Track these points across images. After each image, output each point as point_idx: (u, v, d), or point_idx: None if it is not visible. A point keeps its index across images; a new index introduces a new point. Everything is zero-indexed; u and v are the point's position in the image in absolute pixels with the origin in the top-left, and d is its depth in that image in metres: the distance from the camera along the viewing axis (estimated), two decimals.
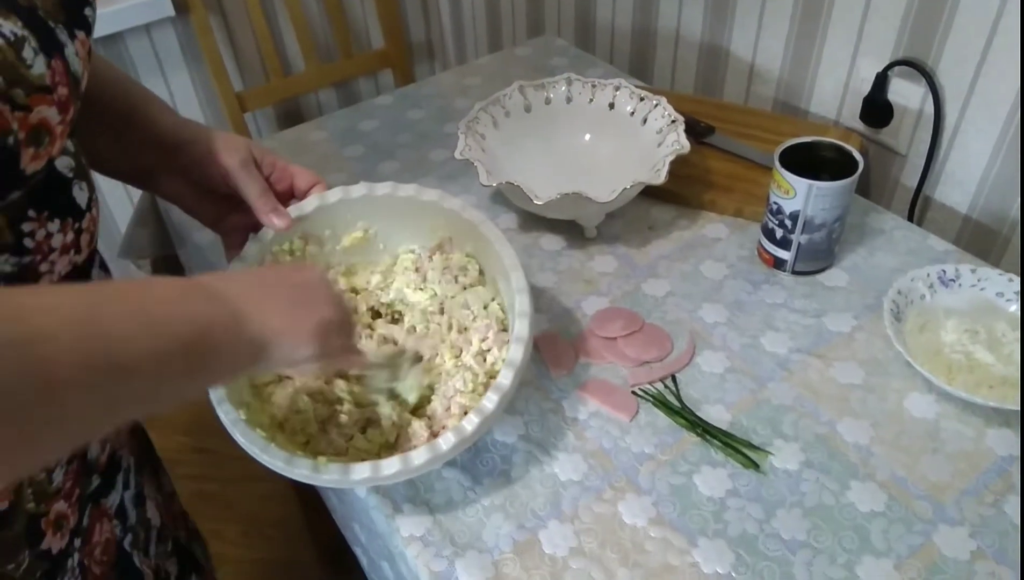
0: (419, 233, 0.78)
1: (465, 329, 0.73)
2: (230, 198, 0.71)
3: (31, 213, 0.49)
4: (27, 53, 0.45)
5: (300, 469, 0.59)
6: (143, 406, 0.42)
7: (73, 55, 0.49)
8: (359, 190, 0.73)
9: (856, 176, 0.78)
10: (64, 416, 0.36)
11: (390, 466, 0.58)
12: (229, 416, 0.60)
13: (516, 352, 0.63)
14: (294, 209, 0.71)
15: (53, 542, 0.55)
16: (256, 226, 0.71)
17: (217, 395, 0.61)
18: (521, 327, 0.64)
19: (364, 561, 0.84)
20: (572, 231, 0.93)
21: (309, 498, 1.41)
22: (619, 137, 0.98)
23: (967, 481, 0.66)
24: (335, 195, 0.73)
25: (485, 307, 0.74)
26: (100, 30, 0.64)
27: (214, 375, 0.48)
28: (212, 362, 0.45)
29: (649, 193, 0.93)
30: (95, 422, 0.40)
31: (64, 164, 0.53)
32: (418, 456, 0.59)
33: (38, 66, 0.45)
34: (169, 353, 0.41)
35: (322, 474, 0.59)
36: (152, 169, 0.70)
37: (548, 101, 1.01)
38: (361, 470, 0.59)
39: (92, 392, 0.37)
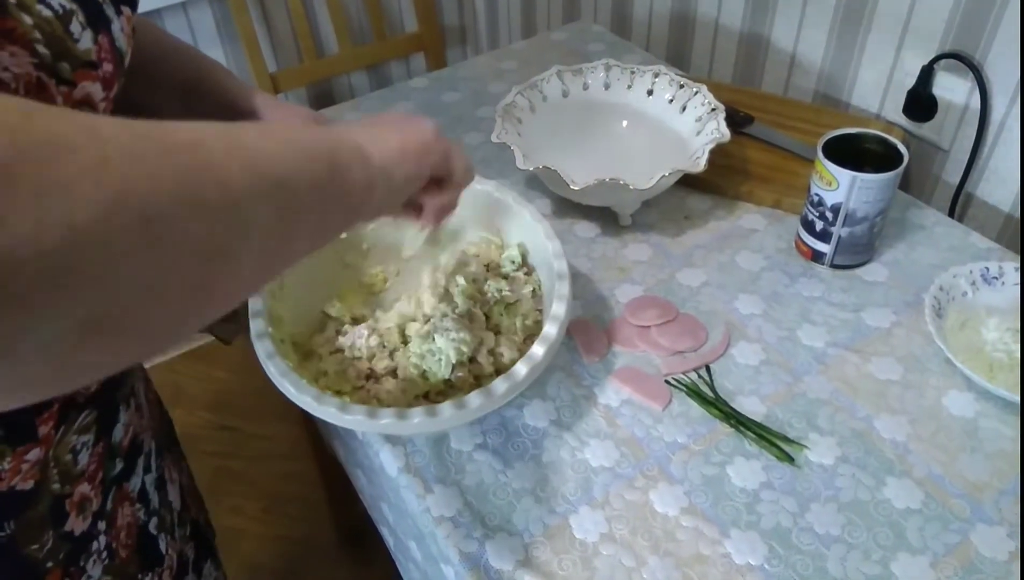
0: (467, 218, 0.79)
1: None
2: None
3: None
4: (74, 27, 0.44)
5: (383, 420, 0.60)
6: (308, 233, 0.41)
7: (119, 31, 0.49)
8: None
9: (901, 169, 0.77)
10: (249, 235, 0.35)
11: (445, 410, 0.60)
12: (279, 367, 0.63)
13: (559, 308, 0.67)
14: None
15: (76, 524, 0.55)
16: None
17: (266, 350, 0.64)
18: (558, 307, 0.67)
19: (391, 541, 0.84)
20: (606, 218, 0.92)
21: (331, 478, 1.42)
22: (656, 125, 0.97)
23: (1006, 481, 0.65)
24: None
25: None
26: (139, 6, 0.64)
27: (351, 199, 0.46)
28: (349, 182, 0.44)
29: (685, 182, 0.92)
30: (277, 248, 0.39)
31: None
32: (473, 400, 0.61)
33: (85, 41, 0.44)
34: (315, 169, 0.41)
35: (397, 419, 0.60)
36: None
37: (586, 87, 1.00)
38: (445, 409, 0.60)
39: (268, 203, 0.36)
